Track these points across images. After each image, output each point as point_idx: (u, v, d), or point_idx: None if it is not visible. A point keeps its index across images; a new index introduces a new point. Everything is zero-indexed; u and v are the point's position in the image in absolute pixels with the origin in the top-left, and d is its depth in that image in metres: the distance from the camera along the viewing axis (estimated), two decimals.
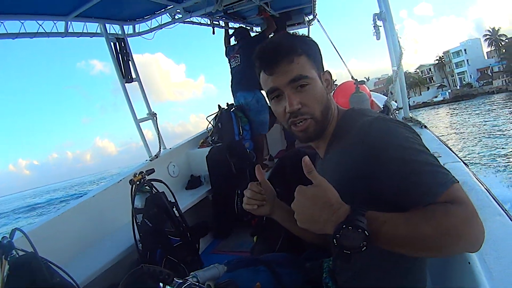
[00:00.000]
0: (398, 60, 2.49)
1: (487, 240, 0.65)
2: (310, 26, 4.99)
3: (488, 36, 68.64)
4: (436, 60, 78.64)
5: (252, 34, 4.44)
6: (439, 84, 75.00)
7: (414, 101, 69.51)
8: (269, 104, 2.49)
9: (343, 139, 0.88)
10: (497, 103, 34.58)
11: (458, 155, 1.62)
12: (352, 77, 4.01)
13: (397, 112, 2.57)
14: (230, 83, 3.94)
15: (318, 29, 4.89)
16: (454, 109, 37.30)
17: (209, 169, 3.15)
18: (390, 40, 2.54)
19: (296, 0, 4.23)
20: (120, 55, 3.18)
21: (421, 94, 75.43)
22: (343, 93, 3.47)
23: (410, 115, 2.50)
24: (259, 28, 5.08)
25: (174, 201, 2.24)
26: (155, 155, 3.20)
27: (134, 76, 3.29)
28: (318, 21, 4.76)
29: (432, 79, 78.83)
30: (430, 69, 79.78)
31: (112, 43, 3.15)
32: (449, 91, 68.19)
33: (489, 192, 1.13)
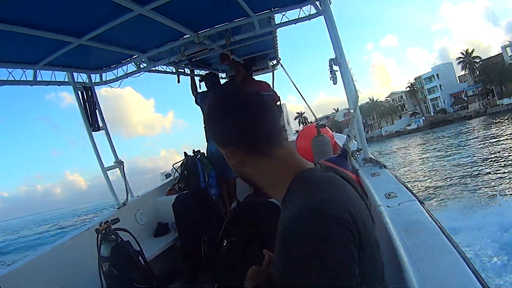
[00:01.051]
0: (354, 103, 2.68)
1: (435, 278, 0.79)
2: (275, 70, 5.32)
3: (461, 59, 68.21)
4: (408, 87, 78.57)
5: (222, 81, 4.68)
6: (411, 112, 75.13)
7: (386, 131, 70.05)
8: None
9: (285, 212, 0.84)
10: (475, 128, 35.10)
11: (415, 193, 1.78)
12: (315, 119, 4.26)
13: (357, 153, 2.72)
14: (204, 129, 4.02)
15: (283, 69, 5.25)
16: (428, 139, 37.60)
17: (175, 217, 3.24)
18: (346, 84, 2.76)
19: (259, 46, 4.46)
20: (87, 103, 3.33)
21: (393, 123, 75.23)
22: (305, 136, 3.66)
23: (370, 156, 2.65)
24: (225, 74, 5.33)
25: (139, 249, 2.31)
26: (123, 203, 3.28)
27: (101, 124, 3.42)
28: (282, 65, 5.14)
29: (404, 107, 78.79)
30: (401, 97, 79.96)
31: (79, 92, 3.30)
32: (423, 118, 67.51)
33: (441, 230, 1.25)
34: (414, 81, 77.06)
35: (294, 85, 5.01)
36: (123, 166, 3.50)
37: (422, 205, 1.56)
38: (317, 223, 0.71)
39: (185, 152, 4.00)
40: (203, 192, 3.41)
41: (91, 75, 3.47)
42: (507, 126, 27.73)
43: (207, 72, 4.55)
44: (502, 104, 53.32)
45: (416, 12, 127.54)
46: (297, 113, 74.64)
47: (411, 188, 1.88)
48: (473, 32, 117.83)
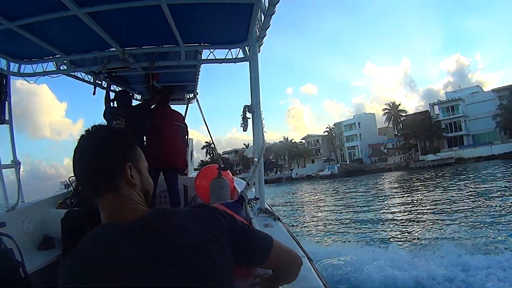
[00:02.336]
0: (259, 153, 2.80)
1: None
2: (190, 104, 5.44)
3: (387, 110, 68.86)
4: (326, 131, 78.61)
5: (134, 102, 4.76)
6: (326, 158, 74.94)
7: (297, 173, 69.48)
8: None
9: None
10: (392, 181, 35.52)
11: (304, 249, 1.87)
12: (220, 160, 4.48)
13: (254, 202, 2.82)
14: None
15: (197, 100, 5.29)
16: (338, 187, 35.63)
17: (62, 233, 3.11)
18: (256, 132, 2.87)
19: (181, 76, 4.61)
20: None
21: (305, 166, 74.81)
22: (206, 176, 3.70)
23: (266, 206, 2.78)
24: (140, 96, 5.39)
25: (21, 260, 2.24)
26: (12, 207, 3.12)
27: (7, 117, 3.28)
28: (197, 101, 5.25)
29: (319, 151, 79.06)
30: (318, 141, 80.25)
31: None
32: (338, 165, 66.88)
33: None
34: (334, 126, 77.92)
35: (205, 121, 5.13)
36: (19, 168, 3.35)
37: (310, 263, 1.62)
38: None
39: None
40: (94, 213, 3.35)
41: (10, 63, 3.35)
42: (424, 182, 28.96)
43: (122, 89, 4.60)
44: (425, 159, 54.77)
45: (341, 67, 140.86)
46: (206, 142, 74.46)
47: (301, 244, 1.98)
48: (390, 94, 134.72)
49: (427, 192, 20.81)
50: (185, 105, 5.47)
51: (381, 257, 7.19)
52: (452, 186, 22.10)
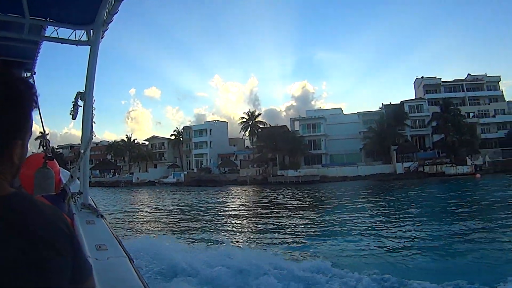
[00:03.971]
0: (86, 144, 2.74)
1: None
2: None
3: (244, 120, 67.29)
4: (173, 135, 74.88)
5: None
6: (171, 163, 72.15)
7: (138, 178, 64.94)
8: None
9: None
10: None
11: (126, 249, 1.86)
12: (48, 149, 4.10)
13: (78, 196, 2.71)
14: None
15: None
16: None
17: None
18: (85, 122, 2.79)
19: (20, 52, 4.19)
20: None
21: (147, 171, 70.43)
22: (31, 165, 3.29)
23: (90, 202, 2.70)
24: None
25: None
26: None
27: None
28: (34, 82, 4.77)
29: (164, 156, 75.88)
30: (163, 144, 76.85)
31: None
32: (185, 173, 64.34)
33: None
34: (183, 130, 74.97)
35: (38, 106, 4.73)
36: None
37: (131, 263, 1.66)
38: None
39: None
40: None
41: None
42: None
43: None
44: (286, 175, 53.87)
45: (188, 75, 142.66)
46: (40, 132, 62.16)
47: (123, 244, 1.98)
48: (234, 109, 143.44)
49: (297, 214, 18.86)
50: None
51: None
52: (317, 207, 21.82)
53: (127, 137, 76.42)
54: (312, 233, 12.61)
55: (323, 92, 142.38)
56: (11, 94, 0.78)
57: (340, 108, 70.13)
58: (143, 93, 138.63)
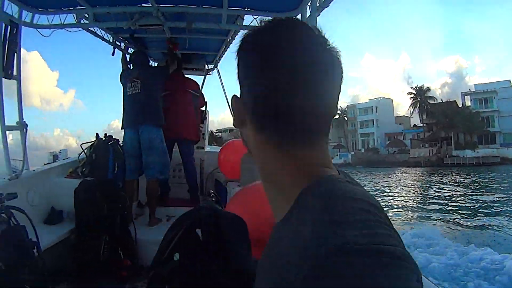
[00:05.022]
0: None
1: None
2: (208, 75, 5.42)
3: (413, 95, 60.70)
4: (338, 113, 71.32)
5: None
6: (336, 144, 66.97)
7: None
8: None
9: (290, 241, 0.52)
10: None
11: None
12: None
13: None
14: (123, 111, 3.85)
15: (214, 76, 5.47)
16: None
17: (76, 205, 2.96)
18: None
19: (204, 44, 4.50)
20: (7, 42, 2.90)
21: None
22: (235, 150, 3.62)
23: None
24: (156, 63, 5.24)
25: (36, 240, 2.05)
26: (15, 175, 2.92)
27: (15, 73, 3.04)
28: (218, 72, 5.23)
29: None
30: None
31: (3, 25, 2.87)
32: (352, 153, 61.49)
33: None
34: (347, 108, 70.84)
35: (225, 95, 5.24)
36: (26, 130, 3.13)
37: None
38: (386, 271, 0.41)
39: (97, 134, 3.78)
40: (111, 184, 3.24)
41: (23, 11, 3.08)
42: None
43: (137, 50, 4.41)
44: (464, 156, 47.54)
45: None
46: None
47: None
48: (386, 88, 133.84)
49: None
50: (203, 76, 5.44)
51: None
52: None
53: None
54: None
55: (476, 67, 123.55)
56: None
57: (509, 81, 56.07)
58: None
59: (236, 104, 0.65)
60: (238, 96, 0.65)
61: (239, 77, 0.64)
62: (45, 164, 4.04)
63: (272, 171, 0.62)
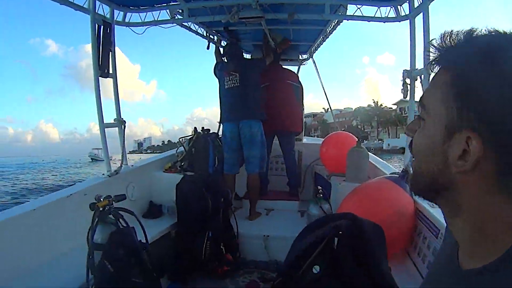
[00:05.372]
0: None
1: None
2: (302, 65, 5.36)
3: None
4: None
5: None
6: None
7: (389, 144, 62.29)
8: None
9: None
10: None
11: None
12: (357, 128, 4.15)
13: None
14: (221, 105, 3.80)
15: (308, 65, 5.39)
16: None
17: (178, 200, 2.97)
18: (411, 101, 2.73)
19: (299, 36, 4.38)
20: (102, 42, 2.98)
21: (399, 137, 65.25)
22: (340, 144, 3.47)
23: None
24: (249, 55, 5.19)
25: (145, 241, 2.03)
26: (115, 171, 3.04)
27: (111, 71, 3.12)
28: (314, 62, 5.12)
29: None
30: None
31: (97, 26, 2.94)
32: None
33: None
34: None
35: (322, 84, 5.13)
36: (124, 127, 3.22)
37: None
38: None
39: (195, 128, 3.80)
40: (215, 179, 3.20)
41: (115, 10, 3.15)
42: None
43: (230, 42, 4.31)
44: None
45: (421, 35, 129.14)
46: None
47: None
48: None
49: None
50: (297, 66, 5.38)
51: None
52: None
53: (374, 102, 74.48)
54: None
55: None
56: None
57: None
58: (376, 61, 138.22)
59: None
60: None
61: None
62: (130, 152, 4.18)
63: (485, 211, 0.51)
